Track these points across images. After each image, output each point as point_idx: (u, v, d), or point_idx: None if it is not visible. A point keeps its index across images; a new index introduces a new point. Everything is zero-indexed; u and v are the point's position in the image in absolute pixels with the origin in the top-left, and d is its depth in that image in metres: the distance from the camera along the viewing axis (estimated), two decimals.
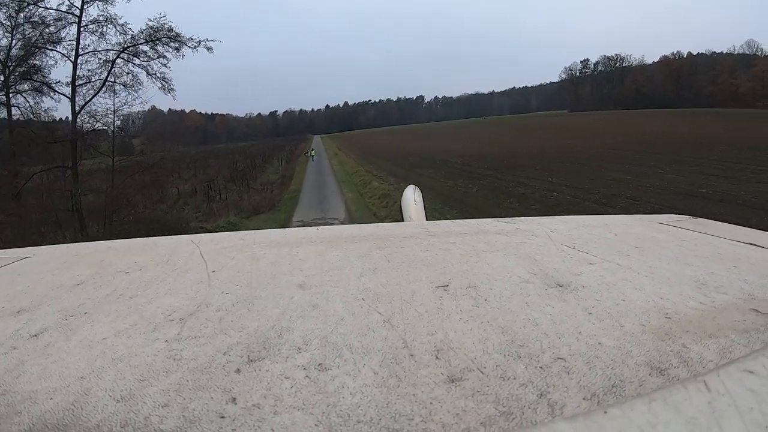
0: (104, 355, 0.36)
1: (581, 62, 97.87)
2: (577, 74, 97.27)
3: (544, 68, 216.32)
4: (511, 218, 0.88)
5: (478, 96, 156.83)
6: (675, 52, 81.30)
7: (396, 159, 25.58)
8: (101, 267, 0.64)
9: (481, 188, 13.87)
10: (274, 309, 0.44)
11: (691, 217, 0.86)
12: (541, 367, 0.32)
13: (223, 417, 0.28)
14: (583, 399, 0.28)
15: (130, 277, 0.58)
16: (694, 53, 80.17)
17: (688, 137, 20.95)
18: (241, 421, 0.27)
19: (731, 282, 0.47)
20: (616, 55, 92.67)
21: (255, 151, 44.83)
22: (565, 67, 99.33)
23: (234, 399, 0.29)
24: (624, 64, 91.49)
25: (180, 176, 28.58)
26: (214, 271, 0.58)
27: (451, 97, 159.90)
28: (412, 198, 1.61)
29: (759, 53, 72.49)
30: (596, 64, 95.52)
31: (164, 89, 12.91)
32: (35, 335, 0.41)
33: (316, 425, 0.27)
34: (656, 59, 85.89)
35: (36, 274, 0.63)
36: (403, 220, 1.55)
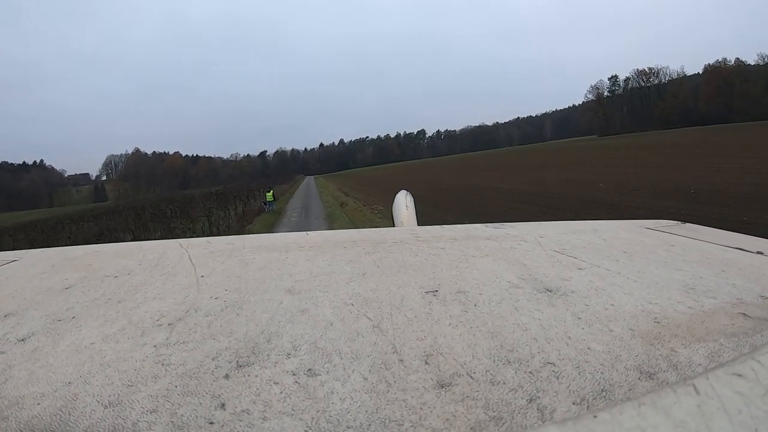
0: (92, 360, 0.36)
1: (609, 79, 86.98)
2: (605, 93, 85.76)
3: (550, 96, 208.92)
4: (500, 223, 0.88)
5: (482, 128, 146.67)
6: (720, 60, 70.11)
7: (511, 205, 10.71)
8: (89, 271, 0.63)
9: None
10: (263, 314, 0.44)
11: (679, 222, 0.87)
12: (530, 372, 0.32)
13: (212, 423, 0.27)
14: (573, 403, 0.28)
15: (119, 281, 0.57)
16: (742, 60, 68.84)
17: None
18: (230, 427, 0.27)
19: (719, 286, 0.47)
20: (650, 68, 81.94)
21: (209, 198, 30.28)
22: (591, 86, 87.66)
23: (223, 405, 0.29)
24: (660, 79, 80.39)
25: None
26: (203, 276, 0.58)
27: (454, 131, 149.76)
28: (404, 203, 1.59)
29: None
30: (627, 80, 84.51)
31: None
32: (22, 339, 0.41)
33: (305, 431, 0.26)
34: (699, 70, 74.96)
35: (24, 277, 0.62)
36: (394, 225, 1.53)
